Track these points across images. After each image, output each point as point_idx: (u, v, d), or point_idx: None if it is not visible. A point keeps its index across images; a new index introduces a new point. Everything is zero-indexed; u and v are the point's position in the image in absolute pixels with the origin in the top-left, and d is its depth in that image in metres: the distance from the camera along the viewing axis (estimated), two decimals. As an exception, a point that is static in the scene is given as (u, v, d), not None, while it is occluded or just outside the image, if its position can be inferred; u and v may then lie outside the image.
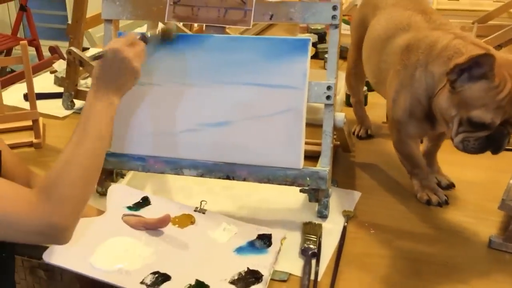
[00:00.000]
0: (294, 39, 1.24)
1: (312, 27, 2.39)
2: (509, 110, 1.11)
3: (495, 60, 1.09)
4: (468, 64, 1.11)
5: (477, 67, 1.10)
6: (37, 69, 2.16)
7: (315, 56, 2.18)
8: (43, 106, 1.73)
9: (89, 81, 1.98)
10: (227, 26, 1.28)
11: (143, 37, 1.19)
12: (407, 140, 1.34)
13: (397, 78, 1.30)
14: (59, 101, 1.87)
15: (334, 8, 1.21)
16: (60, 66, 2.10)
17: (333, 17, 1.22)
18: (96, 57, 1.15)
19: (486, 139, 1.14)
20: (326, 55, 2.06)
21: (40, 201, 0.95)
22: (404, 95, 1.28)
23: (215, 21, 1.28)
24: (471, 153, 1.17)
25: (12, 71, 2.74)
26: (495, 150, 1.17)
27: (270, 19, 1.25)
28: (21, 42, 1.53)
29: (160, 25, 1.30)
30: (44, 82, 2.06)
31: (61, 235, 0.98)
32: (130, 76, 1.15)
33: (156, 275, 1.05)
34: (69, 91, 1.83)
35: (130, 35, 1.18)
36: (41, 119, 1.66)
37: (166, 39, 1.27)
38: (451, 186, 1.39)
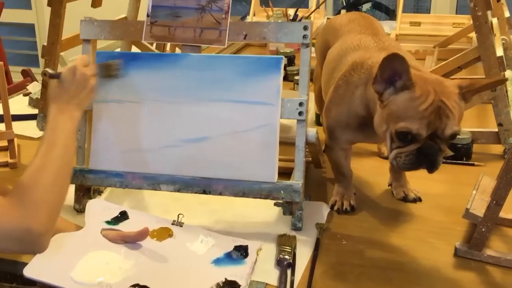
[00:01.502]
0: (267, 57, 1.29)
1: (281, 51, 2.46)
2: (433, 121, 1.12)
3: (407, 64, 1.12)
4: (383, 69, 1.14)
5: (397, 77, 1.14)
6: (10, 92, 2.16)
7: (285, 78, 2.22)
8: (17, 127, 1.73)
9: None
10: (203, 45, 1.33)
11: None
12: (336, 147, 1.40)
13: (336, 91, 1.35)
14: (33, 123, 1.88)
15: (305, 28, 1.27)
16: (34, 88, 2.12)
17: (304, 36, 1.28)
18: (53, 76, 1.22)
19: (417, 154, 1.14)
20: (295, 77, 2.14)
21: (13, 206, 0.95)
22: (340, 108, 1.33)
23: (191, 40, 1.32)
24: (404, 170, 1.19)
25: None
26: (429, 167, 1.17)
27: (244, 38, 1.31)
28: (-4, 63, 1.55)
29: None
30: (17, 105, 2.06)
31: (38, 241, 0.98)
32: (89, 93, 1.24)
33: (136, 288, 1.07)
34: (44, 112, 1.84)
35: (84, 57, 1.28)
36: (16, 140, 1.67)
37: (109, 75, 1.32)
38: (417, 200, 1.44)
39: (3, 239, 0.94)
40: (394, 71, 1.14)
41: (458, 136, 1.57)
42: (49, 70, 1.25)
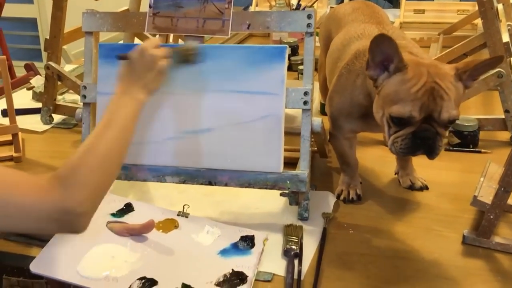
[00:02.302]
0: (271, 46, 1.28)
1: (285, 41, 2.45)
2: (427, 103, 1.09)
3: (395, 44, 1.10)
4: (372, 52, 1.13)
5: (389, 60, 1.13)
6: (14, 86, 2.16)
7: (288, 68, 2.20)
8: (21, 121, 1.73)
9: (66, 96, 2.00)
10: (206, 36, 1.32)
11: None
12: (340, 136, 1.39)
13: (339, 80, 1.35)
14: (37, 116, 1.88)
15: (309, 16, 1.26)
16: (38, 81, 2.11)
17: (308, 25, 1.27)
18: (121, 57, 1.17)
19: (413, 138, 1.12)
20: (299, 67, 2.13)
21: (51, 186, 0.90)
22: (342, 97, 1.33)
23: (194, 31, 1.31)
24: (403, 155, 1.16)
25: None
26: (428, 153, 1.14)
27: (248, 28, 1.30)
28: (0, 57, 1.54)
29: (186, 43, 1.28)
30: (21, 99, 2.06)
31: (76, 221, 0.91)
32: (158, 75, 1.17)
33: (143, 281, 1.07)
34: (48, 105, 1.84)
35: (155, 39, 1.22)
36: (20, 134, 1.66)
37: (186, 60, 1.26)
38: (424, 188, 1.43)
39: (40, 220, 0.88)
40: (384, 54, 1.13)
41: (464, 124, 1.59)
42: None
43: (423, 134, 1.12)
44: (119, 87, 1.13)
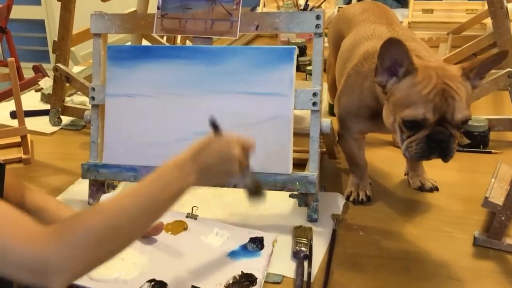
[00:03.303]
0: (280, 47, 1.28)
1: (293, 41, 2.44)
2: (440, 104, 1.08)
3: (405, 47, 1.09)
4: (382, 57, 1.11)
5: (398, 65, 1.12)
6: (22, 88, 2.16)
7: (296, 69, 2.21)
8: (30, 123, 1.74)
9: (75, 97, 2.00)
10: (214, 37, 1.32)
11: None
12: (348, 137, 1.38)
13: (347, 81, 1.34)
14: (45, 118, 1.88)
15: (318, 17, 1.26)
16: (46, 83, 2.12)
17: (317, 26, 1.26)
18: (214, 124, 1.00)
19: (427, 142, 1.10)
20: (307, 68, 2.12)
21: (45, 234, 0.80)
22: (350, 98, 1.32)
23: (202, 32, 1.31)
24: (417, 159, 1.14)
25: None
26: (443, 155, 1.12)
27: (256, 29, 1.29)
28: (8, 59, 1.55)
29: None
30: (29, 101, 2.07)
31: (49, 277, 0.79)
32: (221, 173, 0.98)
33: (153, 283, 1.07)
34: (56, 107, 1.84)
35: (251, 141, 1.03)
36: (28, 136, 1.67)
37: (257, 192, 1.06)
38: (434, 189, 1.42)
39: (17, 266, 0.79)
40: (393, 59, 1.12)
41: (474, 124, 1.58)
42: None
43: (438, 137, 1.10)
44: (187, 157, 0.95)
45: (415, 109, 1.09)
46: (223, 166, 0.97)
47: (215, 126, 0.99)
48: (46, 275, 0.79)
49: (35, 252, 0.78)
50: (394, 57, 1.11)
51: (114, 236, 0.84)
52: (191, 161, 0.94)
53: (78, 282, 1.06)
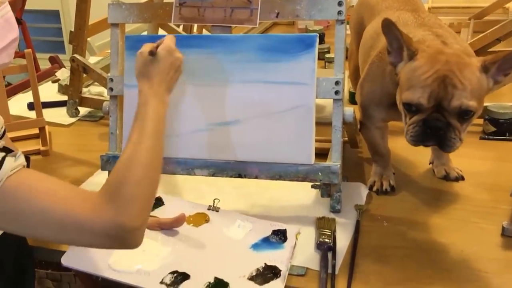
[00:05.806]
0: (301, 35, 1.25)
1: (311, 29, 2.40)
2: (437, 90, 1.07)
3: (397, 29, 1.11)
4: (386, 37, 1.13)
5: (400, 46, 1.13)
6: (39, 79, 2.16)
7: (315, 57, 2.19)
8: (47, 114, 1.73)
9: (92, 88, 1.99)
10: (234, 25, 1.29)
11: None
12: (370, 126, 1.36)
13: (370, 68, 1.32)
14: (63, 109, 1.88)
15: (340, 4, 1.23)
16: (63, 74, 2.11)
17: (339, 12, 1.23)
18: (150, 53, 1.10)
19: (423, 127, 1.09)
20: (326, 55, 2.09)
21: (104, 202, 0.89)
22: (373, 86, 1.31)
23: (222, 21, 1.28)
24: (414, 144, 1.13)
25: (9, 84, 2.72)
26: (441, 144, 1.11)
27: (276, 17, 1.26)
28: (26, 50, 1.54)
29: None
30: (46, 92, 2.06)
31: (131, 237, 0.90)
32: (177, 78, 1.13)
33: (175, 274, 1.06)
34: (73, 98, 1.83)
35: (173, 38, 1.15)
36: (46, 127, 1.66)
37: None
38: (460, 178, 1.39)
39: (95, 236, 0.88)
40: (398, 40, 1.12)
41: (500, 111, 1.54)
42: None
43: (433, 123, 1.09)
44: (145, 85, 1.07)
45: (413, 92, 1.10)
46: (177, 72, 1.13)
47: (152, 53, 1.10)
48: (127, 236, 0.89)
49: (110, 220, 0.87)
50: (391, 39, 1.13)
51: (151, 171, 0.95)
52: (158, 86, 1.07)
53: (102, 273, 1.06)
